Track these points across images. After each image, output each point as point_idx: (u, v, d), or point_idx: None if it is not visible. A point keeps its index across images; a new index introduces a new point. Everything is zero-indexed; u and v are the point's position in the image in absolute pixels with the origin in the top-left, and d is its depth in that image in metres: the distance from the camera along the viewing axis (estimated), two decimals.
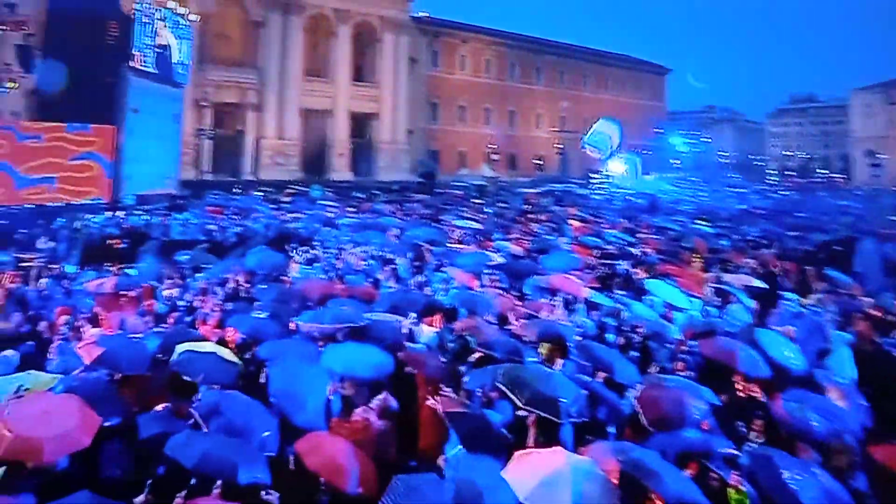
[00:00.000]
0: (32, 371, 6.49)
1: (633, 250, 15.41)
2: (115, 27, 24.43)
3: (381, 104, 50.07)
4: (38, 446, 4.60)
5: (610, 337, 8.48)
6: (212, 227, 20.70)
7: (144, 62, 26.44)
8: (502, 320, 8.81)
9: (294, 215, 22.91)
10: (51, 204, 22.28)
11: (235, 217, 23.04)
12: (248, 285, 10.90)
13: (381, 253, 14.23)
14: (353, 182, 43.56)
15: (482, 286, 10.68)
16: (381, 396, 6.28)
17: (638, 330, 8.43)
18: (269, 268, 11.76)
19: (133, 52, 25.62)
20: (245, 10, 43.96)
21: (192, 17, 30.79)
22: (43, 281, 11.76)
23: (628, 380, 6.43)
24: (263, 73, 44.15)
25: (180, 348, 6.82)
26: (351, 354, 6.87)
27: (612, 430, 5.88)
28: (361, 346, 7.19)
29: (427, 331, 8.32)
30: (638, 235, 18.11)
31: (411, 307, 8.63)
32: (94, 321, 8.80)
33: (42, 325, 8.72)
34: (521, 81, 63.65)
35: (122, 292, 10.08)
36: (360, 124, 49.71)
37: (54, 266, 13.89)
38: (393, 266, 12.77)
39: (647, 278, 11.24)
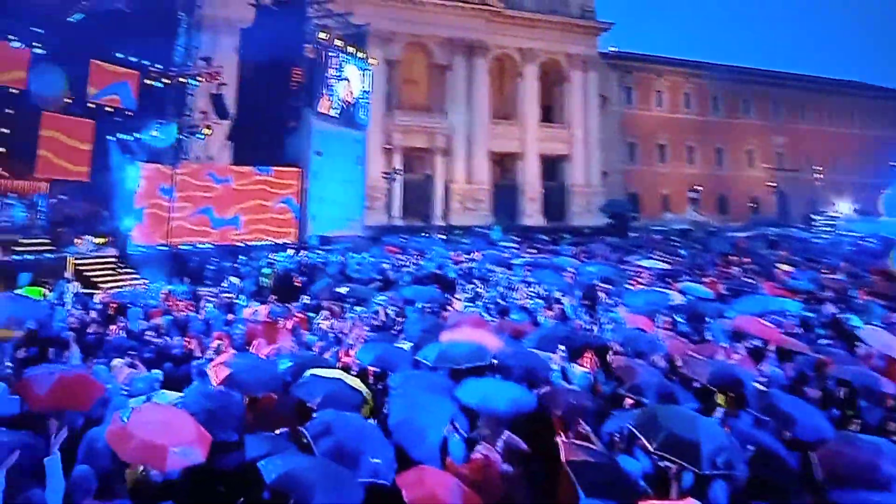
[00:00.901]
0: (164, 391, 7.01)
1: (849, 295, 13.50)
2: (300, 73, 26.89)
3: (572, 145, 49.93)
4: (162, 454, 4.82)
5: (807, 390, 7.30)
6: (386, 265, 21.65)
7: (327, 106, 28.71)
8: (671, 364, 8.01)
9: (470, 256, 23.36)
10: (241, 243, 24.72)
11: (411, 256, 24.02)
12: (400, 318, 11.07)
13: (548, 291, 13.90)
14: (544, 227, 43.55)
15: (656, 328, 9.92)
16: (504, 436, 5.88)
17: (843, 383, 7.16)
18: (425, 301, 11.93)
19: (316, 96, 27.93)
20: (430, 54, 46.44)
21: (373, 60, 33.05)
22: (210, 308, 12.94)
23: (816, 436, 5.37)
24: (451, 117, 46.10)
25: (308, 373, 6.98)
26: (488, 388, 6.61)
27: None
28: (499, 381, 6.94)
29: (579, 370, 7.82)
30: (860, 280, 15.91)
31: (562, 344, 8.16)
32: (243, 347, 9.42)
33: (194, 349, 9.50)
34: (727, 116, 60.11)
35: (275, 320, 10.75)
36: (552, 167, 49.82)
37: (228, 296, 15.25)
38: (560, 305, 12.47)
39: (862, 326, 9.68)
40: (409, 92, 46.18)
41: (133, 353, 9.07)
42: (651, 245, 28.72)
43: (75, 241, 20.52)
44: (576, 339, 8.79)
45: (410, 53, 45.76)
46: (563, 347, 8.02)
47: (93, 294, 15.31)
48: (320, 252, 24.83)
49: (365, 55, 31.85)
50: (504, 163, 48.66)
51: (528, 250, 25.45)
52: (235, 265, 21.41)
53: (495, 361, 7.54)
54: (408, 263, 22.00)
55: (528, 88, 48.68)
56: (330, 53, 28.86)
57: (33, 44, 20.13)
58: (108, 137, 23.03)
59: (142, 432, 4.91)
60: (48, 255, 18.56)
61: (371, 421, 6.20)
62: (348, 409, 6.29)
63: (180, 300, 14.01)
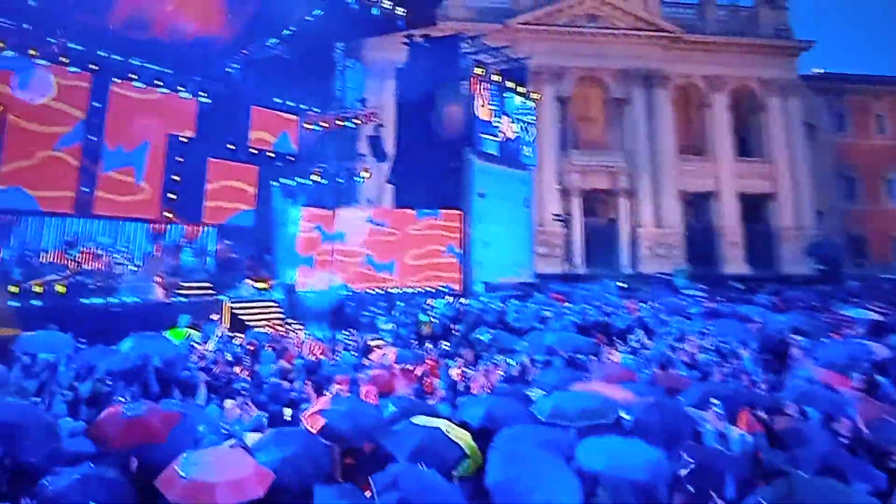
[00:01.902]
0: (247, 432, 6.99)
1: None
2: (458, 110, 27.17)
3: (776, 182, 46.33)
4: (210, 490, 4.99)
5: None
6: (548, 313, 20.84)
7: (488, 145, 28.72)
8: (855, 432, 6.60)
9: (644, 304, 21.95)
10: (402, 289, 25.07)
11: (579, 304, 23.00)
12: (539, 367, 10.36)
13: (726, 344, 12.44)
14: (748, 275, 40.38)
15: (851, 387, 8.36)
16: None
17: None
18: (569, 349, 11.12)
19: (475, 135, 28.02)
20: (605, 88, 45.54)
21: (535, 95, 32.71)
22: (345, 354, 12.95)
23: None
24: (633, 154, 44.62)
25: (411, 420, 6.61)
26: (615, 447, 5.82)
27: None
28: (630, 440, 6.03)
29: (737, 432, 6.64)
30: None
31: (723, 400, 7.02)
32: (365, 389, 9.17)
33: (311, 394, 9.38)
34: None
35: (403, 365, 10.45)
36: (754, 207, 46.53)
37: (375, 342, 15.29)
38: (737, 359, 11.11)
39: None
40: (585, 129, 45.51)
41: (245, 394, 9.11)
42: (870, 294, 25.32)
43: (239, 285, 21.85)
44: (741, 396, 7.62)
45: (583, 88, 45.24)
46: (717, 403, 6.90)
47: (236, 336, 15.99)
48: (483, 299, 24.52)
49: (526, 90, 31.71)
50: (697, 203, 46.18)
51: (717, 299, 23.43)
52: (393, 312, 21.64)
53: (627, 417, 6.58)
54: (574, 311, 21.10)
55: (719, 119, 46.22)
56: (487, 90, 29.07)
57: (199, 93, 22.14)
58: (271, 182, 24.69)
59: (190, 472, 5.12)
60: (207, 299, 19.80)
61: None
62: (441, 462, 5.85)
63: (319, 344, 14.22)
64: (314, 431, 6.55)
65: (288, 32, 22.65)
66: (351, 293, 23.85)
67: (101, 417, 6.67)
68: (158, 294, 19.25)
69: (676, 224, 44.39)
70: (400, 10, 22.43)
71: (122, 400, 8.88)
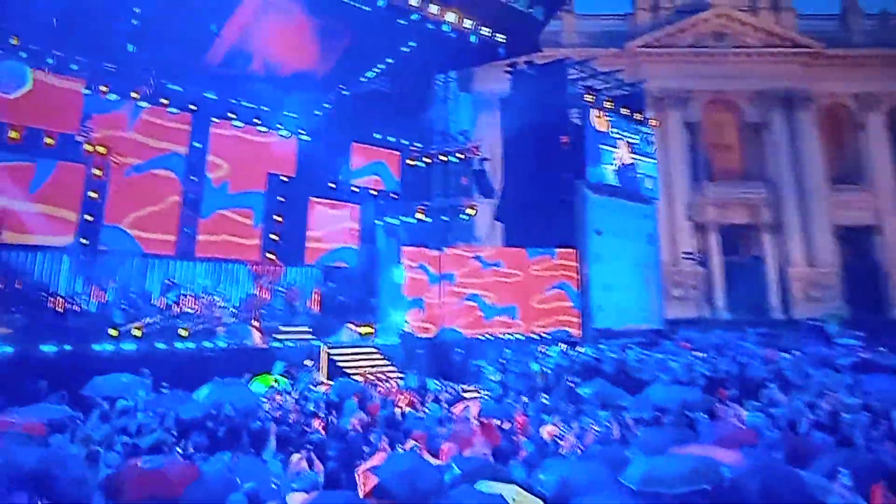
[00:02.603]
0: (294, 493, 6.78)
1: None
2: (567, 142, 26.30)
3: None
4: None
5: None
6: (673, 363, 19.51)
7: (603, 177, 27.64)
8: None
9: (786, 353, 20.08)
10: (512, 336, 24.24)
11: (711, 353, 21.42)
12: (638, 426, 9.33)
13: (877, 403, 10.88)
14: None
15: None
16: None
17: None
18: (677, 406, 10.02)
19: (588, 166, 26.99)
20: (739, 112, 43.27)
21: (653, 122, 31.32)
22: (433, 405, 12.31)
23: None
24: (775, 184, 42.02)
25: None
26: None
27: None
28: None
29: None
30: None
31: (853, 468, 5.92)
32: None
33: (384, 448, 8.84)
34: None
35: (487, 420, 9.73)
36: None
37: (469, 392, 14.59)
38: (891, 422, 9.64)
39: None
40: (719, 158, 43.35)
41: (310, 448, 8.70)
42: None
43: (340, 329, 21.78)
44: (880, 467, 6.51)
45: (714, 113, 43.24)
46: (845, 473, 5.82)
47: (323, 384, 15.72)
48: (602, 347, 23.30)
49: (643, 117, 30.51)
50: (854, 238, 42.64)
51: (877, 349, 21.12)
52: (501, 360, 20.88)
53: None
54: (703, 361, 19.63)
55: (875, 143, 42.75)
56: (601, 118, 28.11)
57: (298, 131, 22.55)
58: (375, 222, 24.71)
59: None
60: (305, 344, 19.75)
61: None
62: None
63: (408, 395, 13.71)
64: (366, 491, 6.33)
65: (383, 66, 22.81)
66: (459, 338, 23.28)
67: (122, 469, 6.46)
68: (256, 338, 19.42)
69: (832, 263, 41.13)
70: (500, 38, 22.09)
71: (180, 451, 8.73)
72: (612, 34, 42.37)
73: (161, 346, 16.92)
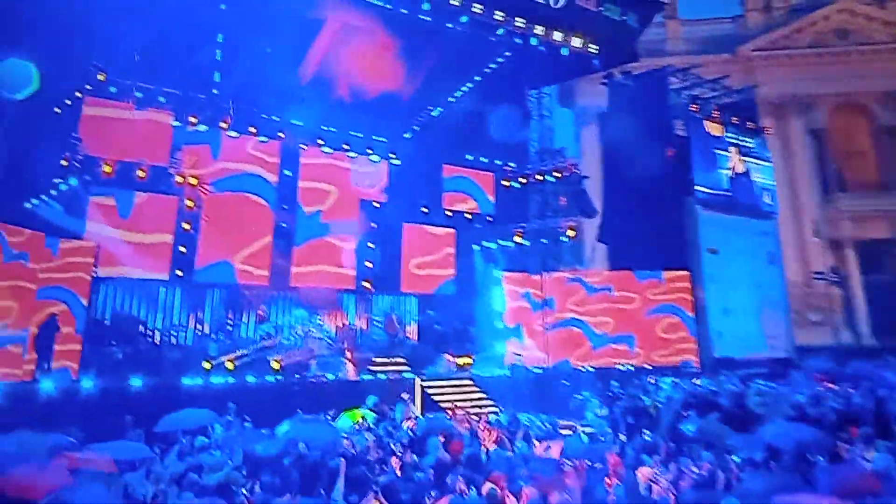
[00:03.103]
0: None
1: None
2: (672, 154, 25.03)
3: None
4: None
5: None
6: (799, 397, 17.95)
7: (714, 192, 26.19)
8: None
9: None
10: (623, 366, 23.11)
11: (848, 386, 19.63)
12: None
13: None
14: None
15: None
16: None
17: None
18: (793, 446, 8.95)
19: (697, 181, 25.73)
20: (870, 116, 40.34)
21: (769, 131, 29.57)
22: (521, 443, 11.65)
23: None
24: None
25: None
26: None
27: None
28: None
29: None
30: None
31: None
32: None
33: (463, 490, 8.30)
34: None
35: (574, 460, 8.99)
36: None
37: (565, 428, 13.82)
38: None
39: None
40: (852, 167, 40.45)
41: (375, 489, 8.34)
42: None
43: (437, 360, 21.38)
44: None
45: (842, 118, 40.48)
46: None
47: (410, 419, 15.29)
48: (721, 379, 21.84)
49: (757, 126, 28.83)
50: None
51: None
52: (608, 392, 19.89)
53: None
54: (836, 394, 17.99)
55: None
56: (710, 128, 26.87)
57: (389, 155, 22.48)
58: (472, 246, 24.31)
59: None
60: (399, 376, 19.44)
61: None
62: None
63: (496, 431, 13.05)
64: None
65: (471, 84, 22.49)
66: (563, 369, 22.41)
67: None
68: (349, 371, 19.29)
69: None
70: (593, 49, 21.40)
71: (245, 492, 8.50)
72: (722, 39, 40.48)
73: (250, 379, 16.98)
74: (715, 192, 26.61)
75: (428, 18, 19.16)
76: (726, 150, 27.63)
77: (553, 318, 23.54)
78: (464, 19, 19.15)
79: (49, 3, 15.80)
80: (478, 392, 19.88)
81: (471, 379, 20.33)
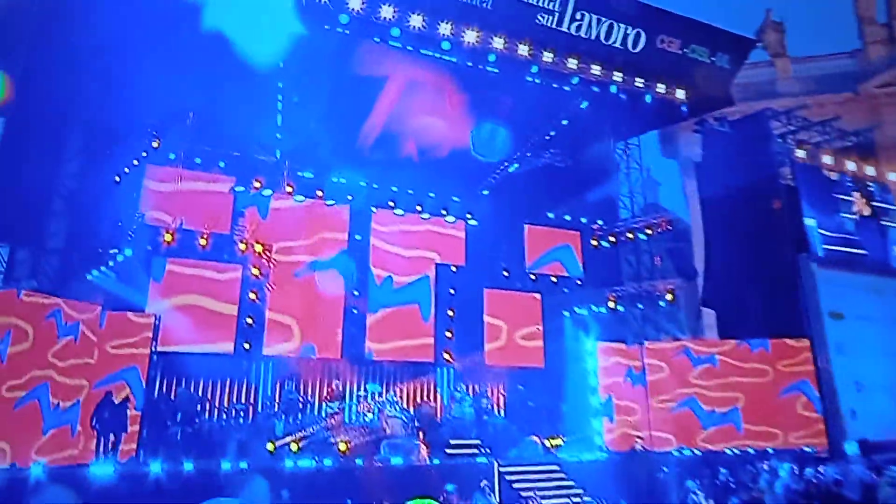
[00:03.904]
0: None
1: None
2: (779, 206, 23.18)
3: None
4: None
5: None
6: None
7: (834, 249, 24.19)
8: None
9: None
10: (729, 450, 21.10)
11: None
12: None
13: None
14: None
15: None
16: None
17: None
18: None
19: (811, 235, 23.77)
20: None
21: (892, 176, 27.26)
22: None
23: None
24: None
25: None
26: None
27: None
28: None
29: None
30: None
31: None
32: None
33: None
34: None
35: None
36: None
37: None
38: None
39: None
40: None
41: None
42: None
43: (522, 442, 20.01)
44: None
45: None
46: None
47: None
48: (852, 465, 19.54)
49: (878, 169, 26.67)
50: None
51: None
52: (716, 480, 18.03)
53: None
54: None
55: None
56: (824, 176, 25.11)
57: (466, 215, 21.76)
58: (563, 313, 23.10)
59: None
60: (477, 461, 18.14)
61: None
62: None
63: None
64: None
65: (548, 138, 21.67)
66: (665, 452, 20.55)
67: None
68: (422, 454, 18.16)
69: None
70: (680, 95, 20.24)
71: None
72: (840, 76, 37.86)
73: (307, 463, 16.07)
74: (836, 245, 24.41)
75: (496, 70, 18.44)
76: (848, 195, 25.58)
77: (656, 394, 21.80)
78: (534, 69, 18.42)
79: (99, 70, 16.04)
80: (565, 479, 18.25)
81: (558, 464, 18.72)
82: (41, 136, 15.90)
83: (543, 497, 16.44)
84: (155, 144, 17.08)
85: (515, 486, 17.26)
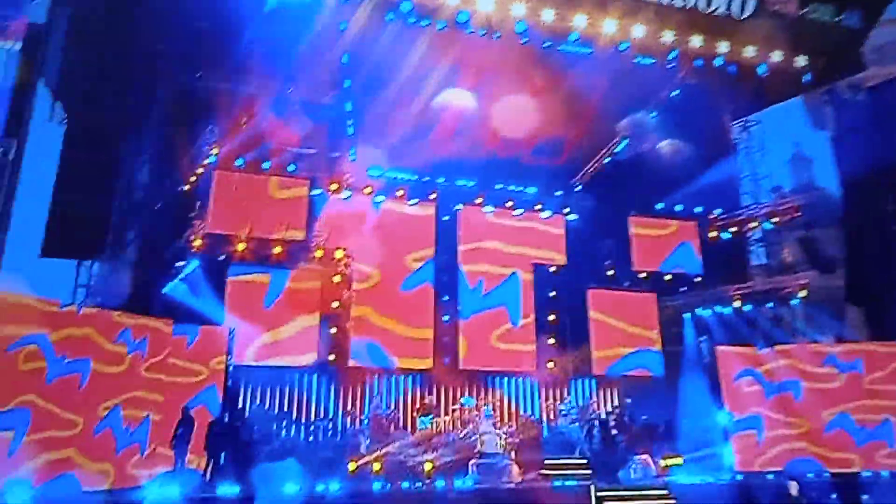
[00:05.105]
0: None
1: None
2: None
3: None
4: None
5: None
6: None
7: None
8: None
9: None
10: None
11: None
12: None
13: None
14: None
15: None
16: None
17: None
18: None
19: None
20: None
21: None
22: None
23: None
24: None
25: None
26: None
27: None
28: None
29: None
30: None
31: None
32: None
33: None
34: None
35: None
36: None
37: None
38: None
39: None
40: None
41: None
42: None
43: (633, 462, 18.75)
44: None
45: None
46: None
47: None
48: None
49: None
50: None
51: None
52: None
53: None
54: None
55: None
56: None
57: (564, 210, 20.84)
58: (682, 315, 21.68)
59: None
60: (577, 483, 17.06)
61: None
62: None
63: None
64: None
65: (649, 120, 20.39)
66: (813, 475, 18.65)
67: None
68: (513, 475, 17.25)
69: None
70: (801, 62, 18.43)
71: None
72: None
73: (377, 486, 15.52)
74: None
75: (581, 50, 17.36)
76: None
77: (792, 405, 19.93)
78: (623, 47, 17.20)
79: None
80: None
81: (666, 487, 17.26)
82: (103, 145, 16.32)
83: None
84: (215, 152, 17.14)
85: None
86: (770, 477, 18.19)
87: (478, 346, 20.21)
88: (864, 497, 16.26)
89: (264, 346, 17.15)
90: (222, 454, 14.41)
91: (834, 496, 16.97)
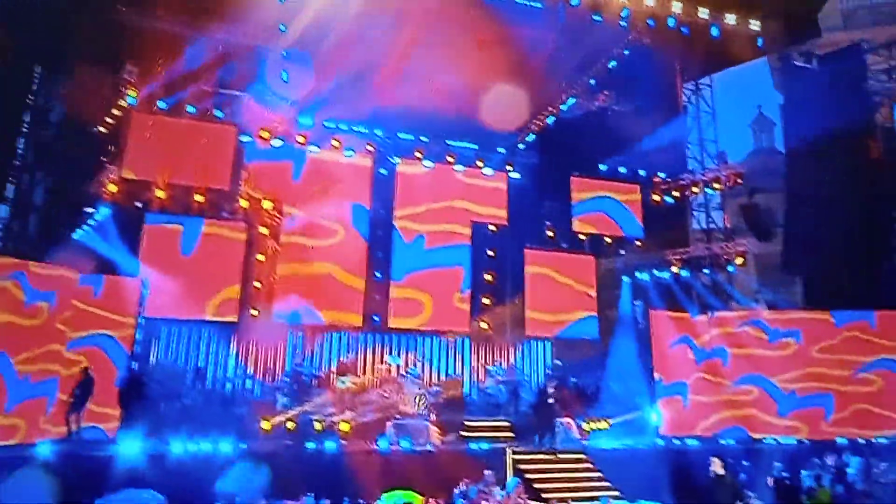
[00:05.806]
0: None
1: None
2: (878, 156, 20.78)
3: None
4: None
5: None
6: None
7: None
8: None
9: None
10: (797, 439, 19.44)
11: None
12: None
13: None
14: None
15: None
16: None
17: None
18: None
19: None
20: None
21: None
22: None
23: None
24: None
25: None
26: None
27: None
28: None
29: None
30: None
31: None
32: None
33: None
34: None
35: None
36: None
37: None
38: None
39: None
40: None
41: None
42: None
43: (556, 426, 18.76)
44: None
45: None
46: None
47: None
48: None
49: None
50: None
51: None
52: (781, 475, 16.44)
53: None
54: None
55: None
56: None
57: (506, 167, 20.65)
58: (622, 278, 21.75)
59: None
60: (496, 445, 17.13)
61: None
62: None
63: None
64: None
65: (594, 82, 20.12)
66: (732, 443, 19.02)
67: None
68: (432, 437, 17.24)
69: None
70: (754, 26, 18.20)
71: None
72: None
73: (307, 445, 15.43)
74: None
75: (531, 3, 17.03)
76: None
77: (721, 371, 20.25)
78: (574, 2, 16.90)
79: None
80: (595, 473, 16.84)
81: (584, 452, 17.34)
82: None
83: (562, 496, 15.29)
84: (132, 92, 16.52)
85: (527, 475, 15.99)
86: (694, 443, 18.55)
87: (409, 305, 19.99)
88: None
89: (181, 298, 16.60)
90: (130, 410, 14.18)
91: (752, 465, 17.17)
